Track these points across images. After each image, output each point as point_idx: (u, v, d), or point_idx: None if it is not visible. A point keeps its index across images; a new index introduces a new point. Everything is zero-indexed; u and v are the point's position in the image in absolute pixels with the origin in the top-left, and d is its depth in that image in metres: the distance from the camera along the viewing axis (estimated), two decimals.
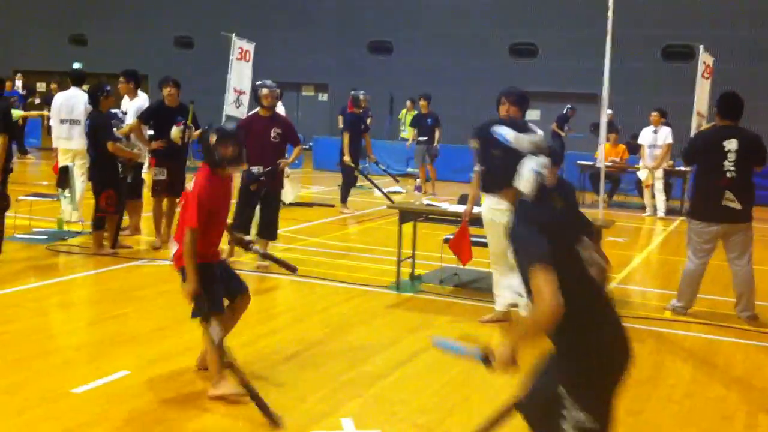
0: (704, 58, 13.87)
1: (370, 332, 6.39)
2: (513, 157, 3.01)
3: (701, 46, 13.84)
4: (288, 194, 11.56)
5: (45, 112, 16.41)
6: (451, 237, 8.13)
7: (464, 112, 22.44)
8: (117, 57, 22.67)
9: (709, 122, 7.41)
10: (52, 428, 4.37)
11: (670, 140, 13.94)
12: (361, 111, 13.05)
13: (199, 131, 9.11)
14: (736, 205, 6.90)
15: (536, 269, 2.83)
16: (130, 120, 9.27)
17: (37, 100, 22.23)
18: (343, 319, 6.70)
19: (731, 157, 6.84)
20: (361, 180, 13.80)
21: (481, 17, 22.38)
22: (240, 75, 15.61)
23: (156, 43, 25.62)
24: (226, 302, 5.13)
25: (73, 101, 9.43)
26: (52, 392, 4.84)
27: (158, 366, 5.38)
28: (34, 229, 9.68)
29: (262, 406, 4.61)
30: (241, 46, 15.68)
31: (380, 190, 13.56)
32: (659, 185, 13.90)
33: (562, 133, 18.07)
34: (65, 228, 9.70)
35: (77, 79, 9.66)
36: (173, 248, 5.15)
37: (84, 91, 9.21)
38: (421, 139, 15.78)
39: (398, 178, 15.35)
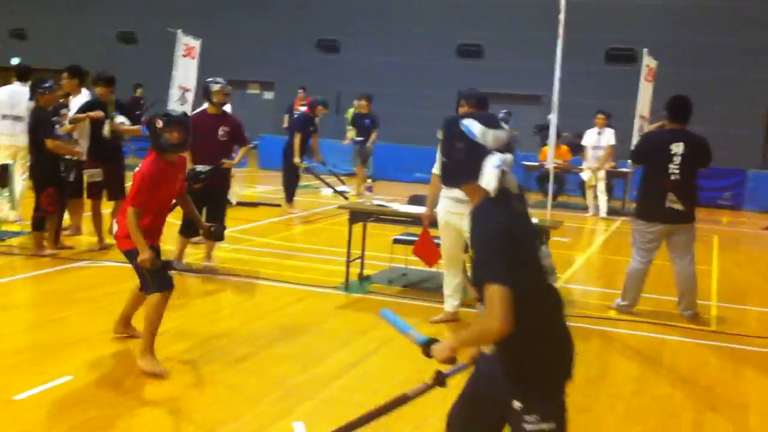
0: (647, 62, 14.11)
1: (322, 334, 6.34)
2: (477, 151, 2.94)
3: (645, 50, 14.08)
4: (233, 194, 11.44)
5: None
6: (402, 237, 8.16)
7: (412, 112, 22.53)
8: (58, 52, 22.14)
9: (652, 123, 7.51)
10: None
11: (613, 142, 14.18)
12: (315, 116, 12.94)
13: (133, 127, 8.94)
14: (680, 207, 7.04)
15: (495, 286, 2.77)
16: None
17: None
18: (294, 321, 6.64)
19: (677, 160, 6.96)
20: (307, 179, 13.73)
21: (429, 17, 22.47)
22: (185, 72, 15.38)
23: (98, 38, 25.11)
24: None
25: (17, 97, 9.20)
26: None
27: (102, 370, 5.27)
28: None
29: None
30: (186, 43, 15.40)
31: (334, 189, 13.50)
32: (602, 186, 14.12)
33: None
34: (3, 228, 9.42)
35: (22, 74, 9.40)
36: (114, 228, 5.50)
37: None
38: (357, 139, 15.54)
39: (342, 177, 15.28)
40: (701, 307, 7.43)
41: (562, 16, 8.11)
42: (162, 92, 10.24)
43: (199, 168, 8.01)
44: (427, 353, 3.04)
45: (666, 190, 7.00)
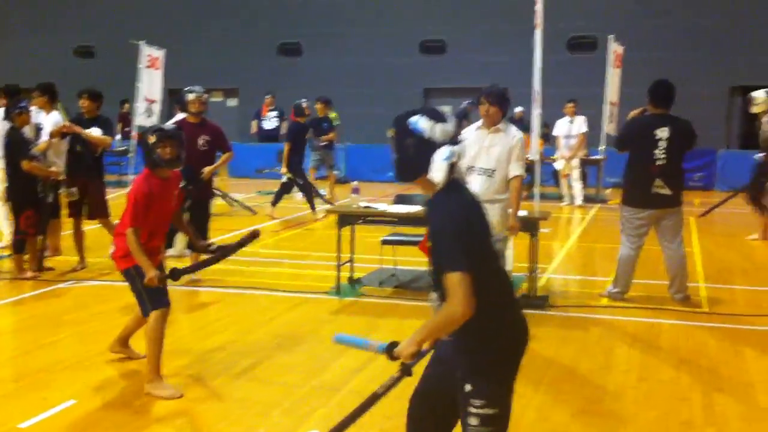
0: (614, 48, 14.25)
1: (321, 340, 6.29)
2: (426, 147, 3.04)
3: (611, 36, 14.21)
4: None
5: None
6: (391, 238, 8.13)
7: (380, 111, 22.44)
8: (15, 69, 21.76)
9: (634, 109, 7.54)
10: None
11: (585, 129, 14.30)
12: (305, 120, 12.73)
13: (102, 137, 8.58)
14: (667, 192, 7.09)
15: (455, 273, 2.87)
16: (45, 136, 8.83)
17: None
18: (291, 329, 6.58)
19: (662, 145, 7.02)
20: (273, 185, 13.56)
21: (391, 15, 22.44)
22: (150, 83, 15.25)
23: (56, 53, 24.68)
24: None
25: None
26: None
27: (106, 393, 5.16)
28: None
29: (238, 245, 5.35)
30: (150, 54, 15.31)
31: (320, 196, 13.26)
32: (576, 174, 14.23)
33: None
34: None
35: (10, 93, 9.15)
36: (111, 249, 5.36)
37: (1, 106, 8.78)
38: (321, 144, 14.93)
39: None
40: (691, 289, 7.51)
41: (539, 6, 8.11)
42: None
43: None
44: (392, 357, 3.08)
45: (653, 176, 7.06)
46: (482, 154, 6.23)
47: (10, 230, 8.79)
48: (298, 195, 14.52)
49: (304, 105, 12.59)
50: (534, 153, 8.40)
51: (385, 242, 8.06)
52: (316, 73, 22.71)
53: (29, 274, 8.20)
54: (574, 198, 14.20)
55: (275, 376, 5.49)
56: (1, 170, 8.67)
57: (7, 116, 8.10)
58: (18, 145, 7.99)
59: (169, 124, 8.82)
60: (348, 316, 6.99)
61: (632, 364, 5.71)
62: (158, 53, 15.43)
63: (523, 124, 13.28)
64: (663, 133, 7.06)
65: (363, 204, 7.83)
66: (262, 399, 5.05)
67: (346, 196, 15.34)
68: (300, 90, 22.23)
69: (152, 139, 5.03)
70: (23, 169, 7.98)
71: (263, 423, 4.68)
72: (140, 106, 14.84)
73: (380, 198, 11.90)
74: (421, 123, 3.06)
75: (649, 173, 7.08)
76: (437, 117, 3.09)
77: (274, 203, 12.92)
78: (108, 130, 8.63)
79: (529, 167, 7.90)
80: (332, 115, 19.24)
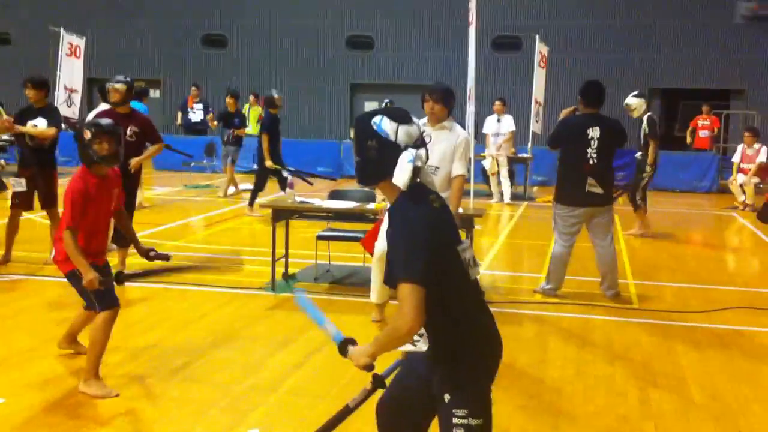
0: (540, 48, 14.47)
1: (256, 337, 6.19)
2: (389, 149, 2.93)
3: (537, 36, 14.44)
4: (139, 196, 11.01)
5: None
6: (326, 234, 8.05)
7: (307, 106, 22.35)
8: None
9: (564, 109, 7.67)
10: None
11: (513, 128, 14.47)
12: (277, 111, 12.16)
13: (44, 129, 8.30)
14: (599, 190, 7.23)
15: (406, 284, 2.79)
16: None
17: None
18: (225, 325, 6.45)
19: (594, 144, 7.15)
20: (209, 178, 13.25)
21: (320, 9, 22.30)
22: (71, 72, 14.76)
23: None
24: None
25: None
26: None
27: (36, 391, 4.96)
28: None
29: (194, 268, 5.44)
30: (70, 41, 14.80)
31: (306, 181, 12.51)
32: (504, 172, 14.39)
33: None
34: None
35: None
36: (52, 252, 5.12)
37: None
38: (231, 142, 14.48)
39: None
40: (620, 286, 7.66)
41: (473, 4, 8.15)
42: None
43: None
44: (344, 353, 3.02)
45: (585, 175, 7.18)
46: None
47: None
48: (231, 189, 14.33)
49: (276, 96, 12.18)
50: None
51: (320, 237, 7.98)
52: (241, 65, 22.43)
53: None
54: (503, 195, 14.37)
55: (211, 374, 5.37)
56: None
57: None
58: None
59: (94, 113, 8.59)
60: (284, 312, 6.88)
61: (568, 360, 5.79)
62: (79, 41, 14.94)
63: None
64: (594, 132, 7.19)
65: (298, 199, 7.73)
66: (199, 398, 4.93)
67: (272, 192, 15.22)
68: (225, 82, 22.05)
69: (88, 134, 4.79)
70: None
71: (201, 422, 4.57)
72: (60, 95, 14.33)
73: (311, 193, 11.78)
74: (384, 124, 2.94)
75: (582, 172, 7.19)
76: (401, 118, 2.96)
77: (251, 204, 12.31)
78: (55, 119, 8.29)
79: None
80: (258, 109, 19.06)
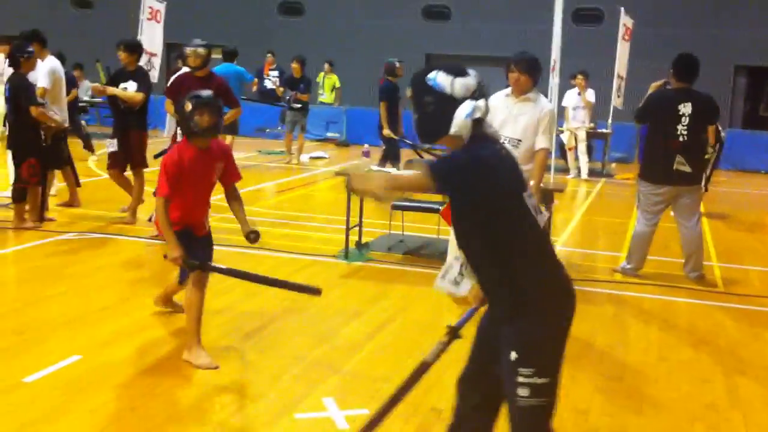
0: (624, 21, 14.01)
1: (330, 304, 6.12)
2: (447, 103, 2.87)
3: (622, 9, 13.96)
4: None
5: None
6: (401, 203, 7.94)
7: (378, 75, 22.18)
8: (11, 17, 21.34)
9: (655, 81, 7.37)
10: (7, 425, 3.96)
11: (593, 100, 14.07)
12: (396, 80, 11.99)
13: (133, 93, 8.36)
14: (687, 169, 6.93)
15: (420, 172, 2.80)
16: (41, 83, 8.47)
17: None
18: (298, 293, 6.39)
19: (685, 121, 6.84)
20: (278, 145, 13.07)
21: None
22: (151, 36, 14.92)
23: (51, 2, 24.21)
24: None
25: None
26: (1, 383, 4.41)
27: (112, 349, 5.00)
28: None
29: (292, 286, 4.89)
30: (151, 6, 15.00)
31: (420, 155, 12.46)
32: (582, 147, 14.05)
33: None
34: None
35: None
36: (152, 214, 5.30)
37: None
38: (295, 105, 14.50)
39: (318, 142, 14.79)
40: (704, 268, 7.37)
41: None
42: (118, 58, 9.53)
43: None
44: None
45: (674, 152, 6.88)
46: (509, 123, 5.99)
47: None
48: (303, 156, 14.33)
49: (397, 65, 12.00)
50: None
51: (395, 207, 7.88)
52: (316, 34, 22.32)
53: (29, 224, 8.00)
54: (581, 171, 14.03)
55: (283, 341, 5.33)
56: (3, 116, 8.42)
57: (13, 61, 7.80)
58: (24, 91, 7.74)
59: (178, 74, 8.62)
60: (357, 281, 6.82)
61: (650, 342, 5.58)
62: (159, 6, 15.13)
63: None
64: (686, 108, 6.88)
65: (375, 168, 7.62)
66: (271, 363, 4.90)
67: (347, 159, 15.20)
68: (300, 51, 22.03)
69: (188, 106, 4.75)
70: (32, 114, 7.74)
71: (273, 388, 4.52)
72: (141, 58, 14.49)
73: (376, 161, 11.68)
74: (439, 78, 2.89)
75: (671, 149, 6.90)
76: (456, 71, 2.91)
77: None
78: (144, 83, 8.40)
79: None
80: (333, 77, 19.02)
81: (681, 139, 6.87)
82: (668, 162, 6.91)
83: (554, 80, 8.09)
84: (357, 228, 7.79)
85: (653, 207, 7.11)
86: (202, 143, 4.83)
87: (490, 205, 2.83)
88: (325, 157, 15.33)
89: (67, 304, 5.90)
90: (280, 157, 15.15)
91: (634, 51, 16.27)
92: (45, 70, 8.38)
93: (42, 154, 7.99)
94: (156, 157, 7.87)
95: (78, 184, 9.24)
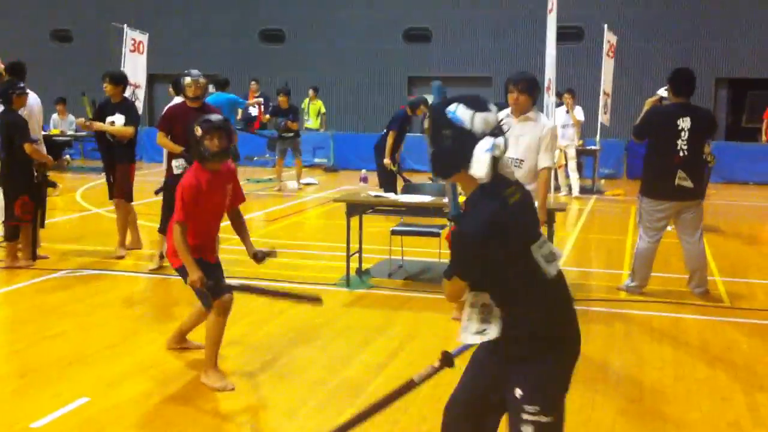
0: (608, 37, 14.08)
1: (338, 334, 6.04)
2: (466, 138, 2.76)
3: (605, 25, 14.05)
4: None
5: None
6: (400, 228, 7.88)
7: (363, 100, 22.22)
8: None
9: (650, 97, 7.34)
10: None
11: (581, 117, 14.10)
12: (412, 115, 11.81)
13: (122, 128, 8.26)
14: (689, 184, 6.90)
15: (446, 279, 2.86)
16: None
17: None
18: (305, 322, 6.31)
19: (684, 135, 6.83)
20: (269, 173, 13.04)
21: (374, 2, 22.11)
22: (134, 68, 14.82)
23: (31, 38, 24.05)
24: None
25: None
26: (8, 429, 4.27)
27: (120, 389, 4.88)
28: None
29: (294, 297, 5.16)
30: (134, 38, 14.89)
31: (406, 180, 12.27)
32: (573, 165, 14.05)
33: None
34: None
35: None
36: (164, 245, 5.29)
37: None
38: (286, 135, 14.47)
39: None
40: (708, 283, 7.33)
41: None
42: (101, 90, 9.37)
43: (177, 163, 7.40)
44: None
45: (675, 167, 6.86)
46: (510, 144, 5.92)
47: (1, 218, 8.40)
48: (291, 183, 14.31)
49: (422, 107, 11.62)
50: None
51: (394, 233, 7.81)
52: (298, 60, 22.34)
53: (23, 262, 7.86)
54: (572, 189, 14.04)
55: (297, 372, 5.24)
56: None
57: (5, 98, 7.68)
58: (17, 128, 7.62)
59: (170, 105, 8.52)
60: (362, 309, 6.73)
61: (665, 361, 5.51)
62: (142, 37, 15.02)
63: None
64: (685, 123, 6.87)
65: (372, 193, 7.56)
66: (286, 397, 4.80)
67: (336, 185, 15.14)
68: (283, 78, 22.04)
69: (199, 131, 4.79)
70: (26, 152, 7.62)
71: (290, 423, 4.44)
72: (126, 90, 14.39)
73: (373, 187, 11.62)
74: (459, 112, 2.77)
75: (672, 164, 6.88)
76: (477, 105, 2.79)
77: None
78: (132, 115, 8.31)
79: None
80: (317, 103, 19.03)
81: (681, 154, 6.85)
82: (670, 178, 6.88)
83: (550, 99, 8.06)
84: (357, 255, 7.71)
85: (656, 223, 7.08)
86: (215, 166, 4.90)
87: (501, 269, 2.81)
88: (315, 183, 15.25)
89: (70, 343, 5.77)
90: (270, 185, 15.05)
91: (616, 67, 16.39)
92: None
93: (34, 191, 7.85)
94: (157, 192, 7.78)
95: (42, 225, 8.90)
